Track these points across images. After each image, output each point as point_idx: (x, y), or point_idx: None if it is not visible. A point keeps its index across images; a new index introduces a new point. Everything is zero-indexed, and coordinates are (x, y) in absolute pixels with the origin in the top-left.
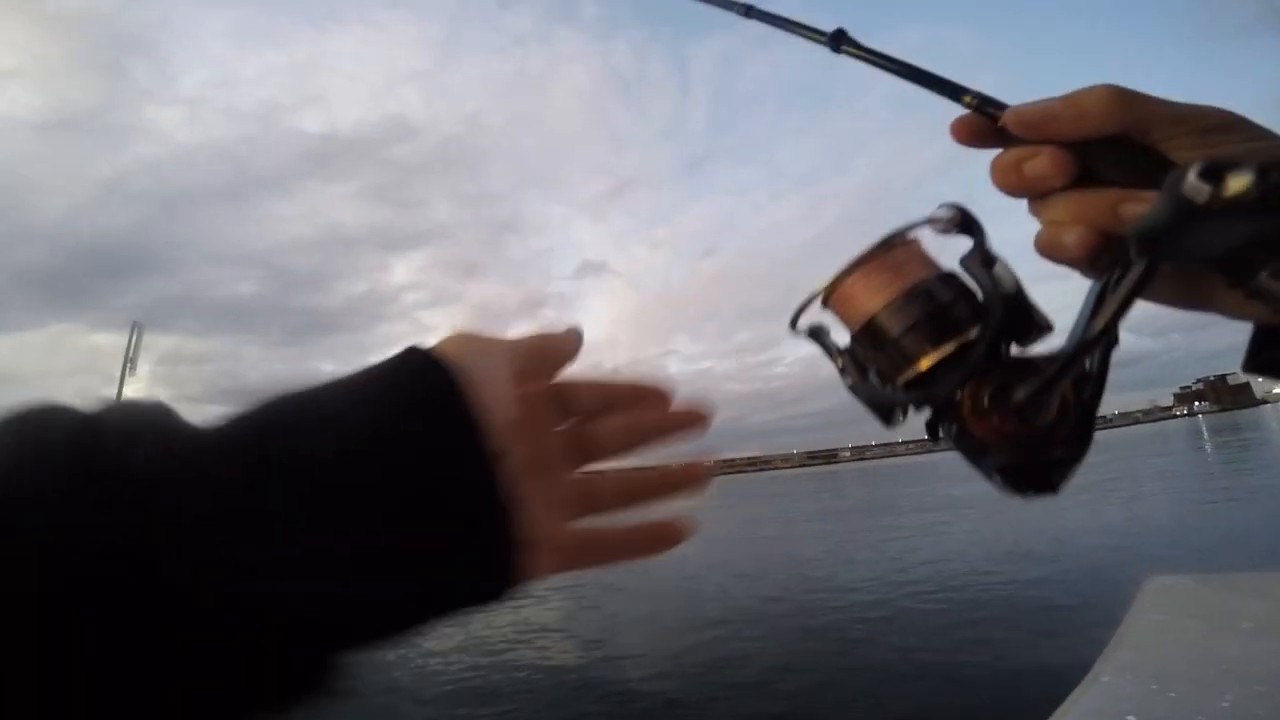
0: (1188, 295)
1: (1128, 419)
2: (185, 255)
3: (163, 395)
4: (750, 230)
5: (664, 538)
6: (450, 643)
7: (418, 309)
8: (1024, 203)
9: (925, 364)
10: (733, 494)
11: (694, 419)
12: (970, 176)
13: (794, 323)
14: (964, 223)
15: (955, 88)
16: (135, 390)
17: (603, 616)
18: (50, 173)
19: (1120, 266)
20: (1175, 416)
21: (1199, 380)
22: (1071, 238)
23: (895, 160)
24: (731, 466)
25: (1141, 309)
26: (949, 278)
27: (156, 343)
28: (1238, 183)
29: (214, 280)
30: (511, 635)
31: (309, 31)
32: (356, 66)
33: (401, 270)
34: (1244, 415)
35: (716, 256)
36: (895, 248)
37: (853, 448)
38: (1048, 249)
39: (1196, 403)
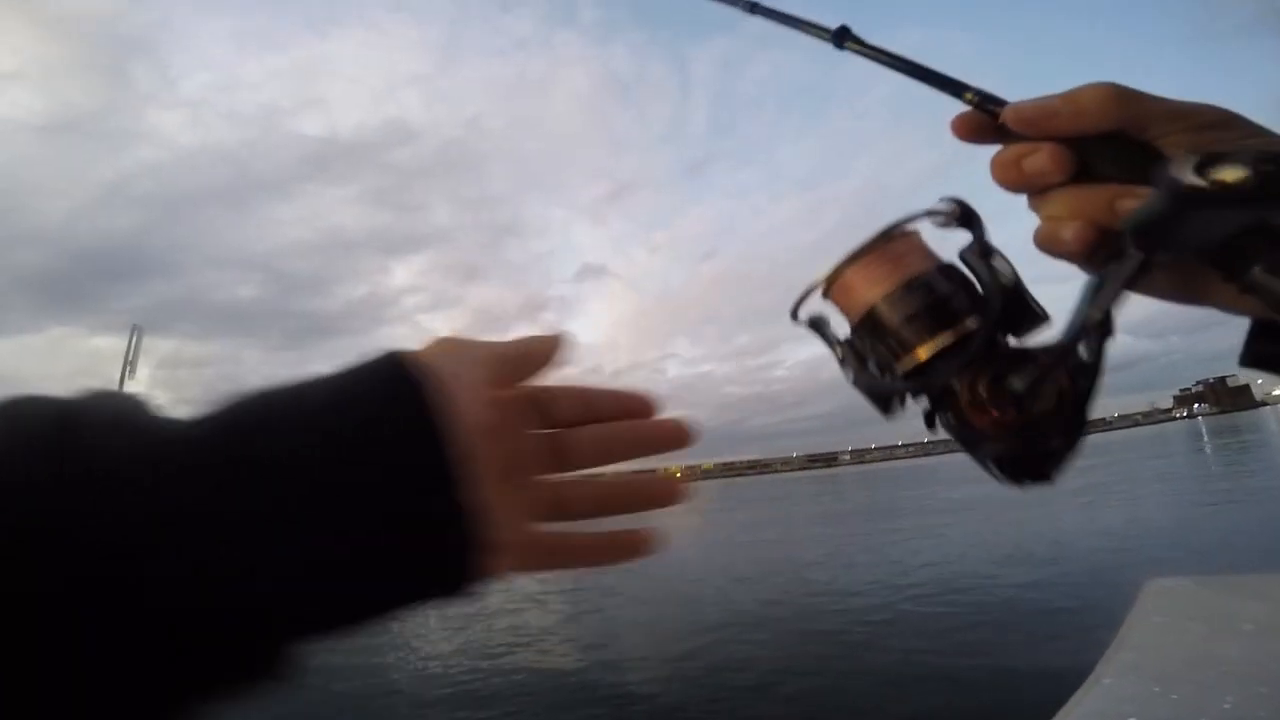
0: (1184, 289)
1: (1127, 421)
2: (185, 258)
3: (162, 398)
4: (750, 233)
5: (629, 547)
6: (450, 646)
7: (418, 312)
8: (1022, 204)
9: (924, 354)
10: (733, 497)
11: (674, 434)
12: (968, 180)
13: (794, 313)
14: (963, 216)
15: (956, 84)
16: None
17: (602, 620)
18: (51, 175)
19: (1117, 260)
20: (1175, 419)
21: (1199, 382)
22: (1069, 232)
23: (894, 163)
24: (731, 469)
25: (1141, 311)
26: (948, 269)
27: (156, 346)
28: (1230, 174)
29: (214, 283)
30: (511, 639)
31: (309, 35)
32: (357, 70)
33: (402, 274)
34: (1243, 417)
35: (716, 259)
36: (895, 239)
37: (852, 451)
38: (1046, 243)
39: (1196, 405)
